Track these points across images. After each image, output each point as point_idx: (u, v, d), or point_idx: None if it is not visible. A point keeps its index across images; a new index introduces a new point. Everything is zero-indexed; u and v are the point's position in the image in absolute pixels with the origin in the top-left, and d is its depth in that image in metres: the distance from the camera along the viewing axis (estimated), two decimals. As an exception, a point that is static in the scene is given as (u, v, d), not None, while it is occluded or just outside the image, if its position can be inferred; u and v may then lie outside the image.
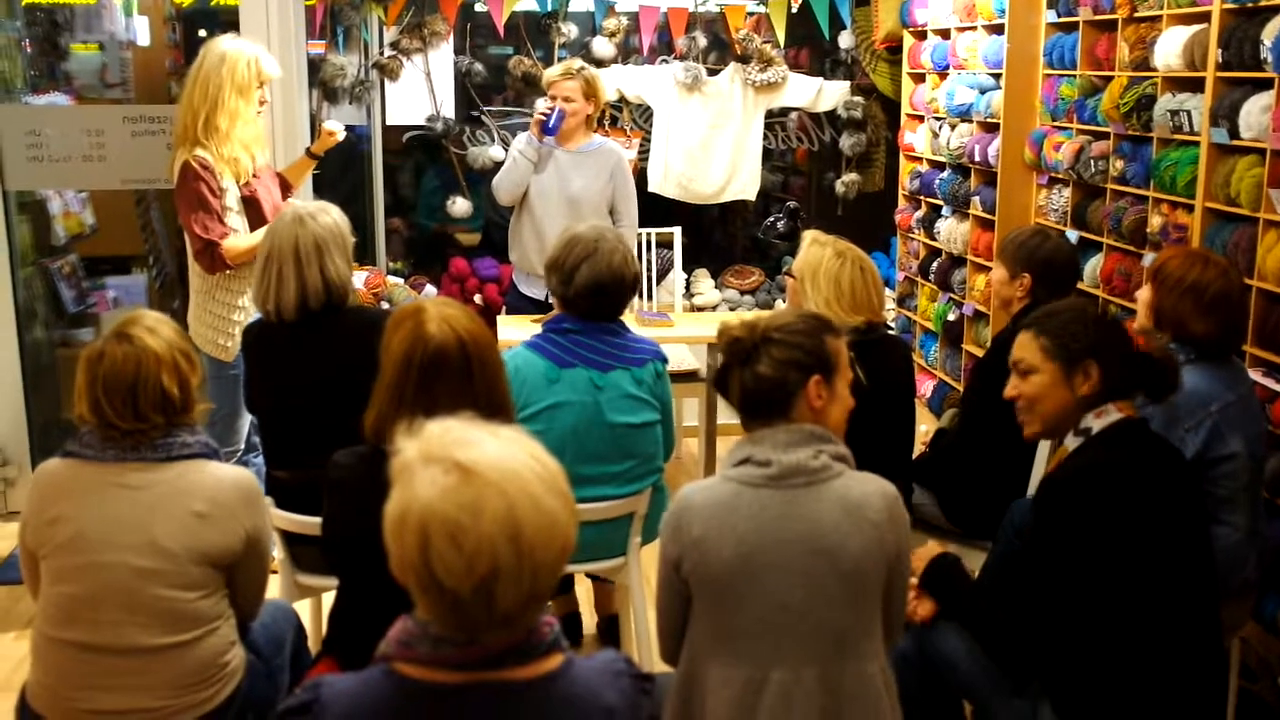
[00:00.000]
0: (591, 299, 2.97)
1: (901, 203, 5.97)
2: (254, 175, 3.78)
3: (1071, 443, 2.38)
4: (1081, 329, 2.37)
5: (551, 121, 4.37)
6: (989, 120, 4.92)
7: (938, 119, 5.44)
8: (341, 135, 4.09)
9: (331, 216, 3.04)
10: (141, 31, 5.95)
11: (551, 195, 4.48)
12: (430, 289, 5.74)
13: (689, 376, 4.44)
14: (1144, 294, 2.88)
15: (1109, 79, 4.10)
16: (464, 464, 1.37)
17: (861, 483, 2.10)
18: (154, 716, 2.23)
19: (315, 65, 5.38)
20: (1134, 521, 2.22)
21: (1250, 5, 3.34)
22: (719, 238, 6.49)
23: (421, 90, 5.64)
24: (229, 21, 4.87)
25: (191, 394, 2.32)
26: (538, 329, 3.11)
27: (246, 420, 3.90)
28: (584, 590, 3.69)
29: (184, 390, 2.29)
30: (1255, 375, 3.23)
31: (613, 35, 5.71)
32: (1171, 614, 2.24)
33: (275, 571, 2.86)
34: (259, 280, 2.99)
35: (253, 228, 3.75)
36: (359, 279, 5.06)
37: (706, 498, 2.09)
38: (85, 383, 2.25)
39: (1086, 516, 2.23)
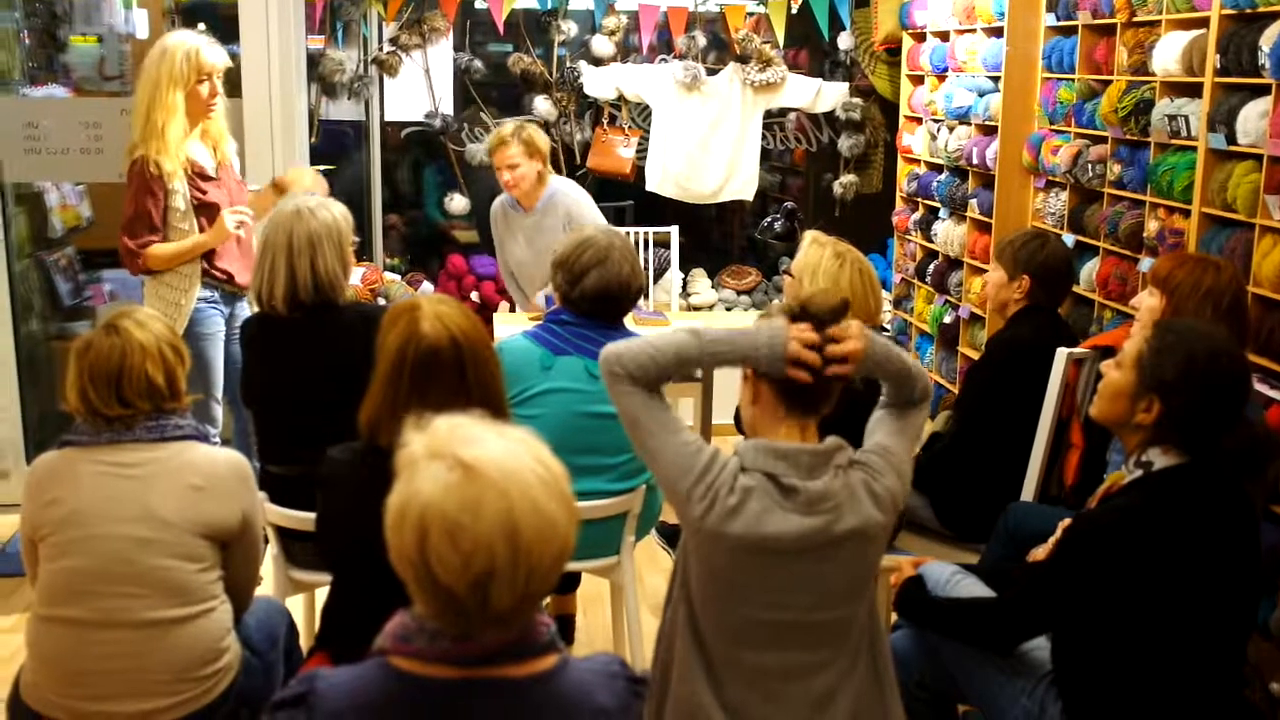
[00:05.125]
0: (595, 305, 3.01)
1: (899, 204, 5.97)
2: (213, 177, 3.71)
3: (1130, 473, 2.24)
4: (1174, 364, 2.17)
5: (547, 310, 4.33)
6: (987, 123, 4.92)
7: (936, 121, 5.44)
8: (308, 183, 3.83)
9: (331, 213, 3.02)
10: (141, 24, 5.93)
11: (524, 259, 4.67)
12: (427, 286, 5.73)
13: (685, 376, 4.44)
14: (1151, 301, 2.87)
15: (1107, 83, 4.10)
16: (467, 462, 1.37)
17: (875, 480, 2.07)
18: (150, 714, 2.23)
19: (314, 60, 5.38)
20: (1165, 573, 2.13)
21: (1249, 11, 3.35)
22: (716, 237, 6.50)
23: (420, 86, 5.64)
24: (228, 15, 4.85)
25: (178, 383, 2.37)
26: (533, 327, 3.12)
27: (218, 407, 3.87)
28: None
29: (170, 379, 2.34)
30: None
31: (612, 34, 5.71)
32: (1195, 648, 2.16)
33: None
34: (255, 271, 3.00)
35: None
36: (356, 275, 5.05)
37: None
38: (74, 373, 2.31)
39: (1117, 562, 2.13)
